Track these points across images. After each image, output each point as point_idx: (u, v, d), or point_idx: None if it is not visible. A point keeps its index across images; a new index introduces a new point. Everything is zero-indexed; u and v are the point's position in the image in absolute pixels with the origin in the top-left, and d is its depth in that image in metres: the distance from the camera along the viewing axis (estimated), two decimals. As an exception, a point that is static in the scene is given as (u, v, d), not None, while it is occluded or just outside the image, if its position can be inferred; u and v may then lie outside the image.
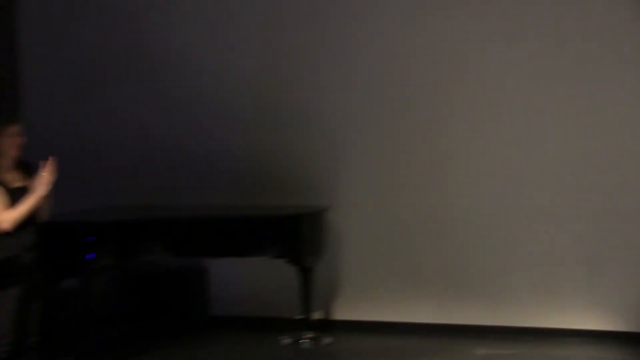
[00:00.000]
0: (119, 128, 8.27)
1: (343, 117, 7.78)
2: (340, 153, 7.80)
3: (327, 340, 7.33)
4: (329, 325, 7.70)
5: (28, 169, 5.64)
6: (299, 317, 7.31)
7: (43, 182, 5.44)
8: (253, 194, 7.88)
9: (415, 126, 7.63)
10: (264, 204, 7.71)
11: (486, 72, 7.45)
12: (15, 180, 5.55)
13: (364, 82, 7.73)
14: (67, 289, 6.96)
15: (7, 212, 5.39)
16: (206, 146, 8.06)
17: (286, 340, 7.30)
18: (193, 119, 8.12)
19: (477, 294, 7.48)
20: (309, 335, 7.24)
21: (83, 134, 8.29)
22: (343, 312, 7.82)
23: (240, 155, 7.97)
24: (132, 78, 8.26)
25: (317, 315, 7.60)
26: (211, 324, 7.97)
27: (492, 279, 7.46)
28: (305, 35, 7.86)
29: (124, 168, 8.20)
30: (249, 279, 7.94)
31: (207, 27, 8.09)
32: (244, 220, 7.07)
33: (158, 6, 8.21)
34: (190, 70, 8.11)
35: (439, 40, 7.54)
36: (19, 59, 8.49)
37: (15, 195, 5.45)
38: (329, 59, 7.80)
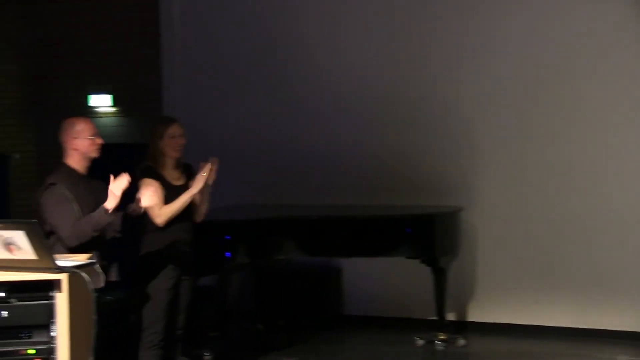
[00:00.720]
0: (250, 129, 8.39)
1: (479, 116, 7.67)
2: (475, 153, 7.69)
3: (460, 342, 7.25)
4: (462, 327, 7.62)
5: (189, 170, 5.76)
6: (432, 318, 7.27)
7: (199, 181, 5.57)
8: (386, 194, 7.86)
9: (554, 125, 7.45)
10: (398, 204, 7.68)
11: (629, 71, 7.23)
12: (175, 179, 5.68)
13: (501, 79, 7.60)
14: (203, 286, 7.11)
15: (162, 208, 5.54)
16: (338, 146, 8.08)
17: (420, 341, 7.25)
18: (325, 119, 8.15)
19: (618, 298, 7.25)
20: (442, 337, 7.17)
21: (217, 134, 8.41)
22: (477, 313, 7.72)
23: (375, 155, 7.95)
24: (265, 79, 8.35)
25: (450, 317, 7.53)
26: (344, 323, 7.99)
27: (636, 282, 7.22)
28: (441, 33, 7.79)
29: (257, 166, 8.30)
30: (382, 279, 7.92)
31: (339, 27, 8.11)
32: (378, 220, 7.06)
33: (292, 11, 8.29)
34: (321, 70, 8.14)
35: (581, 39, 7.37)
36: (162, 61, 8.73)
37: (175, 194, 5.57)
38: (466, 57, 7.70)
